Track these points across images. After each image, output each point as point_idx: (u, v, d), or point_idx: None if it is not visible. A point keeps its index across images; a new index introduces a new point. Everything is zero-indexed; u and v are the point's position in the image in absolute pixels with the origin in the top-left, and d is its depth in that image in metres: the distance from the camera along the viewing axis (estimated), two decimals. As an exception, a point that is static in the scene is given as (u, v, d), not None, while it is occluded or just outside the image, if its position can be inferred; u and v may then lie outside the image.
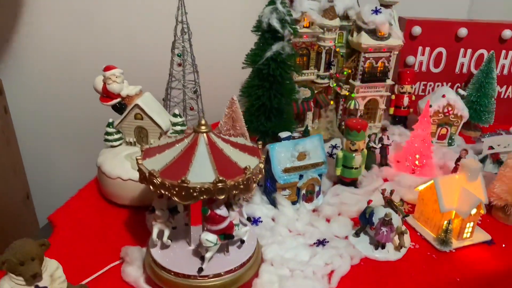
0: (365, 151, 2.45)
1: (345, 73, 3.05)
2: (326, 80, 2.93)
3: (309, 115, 3.02)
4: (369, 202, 2.06)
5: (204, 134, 1.62)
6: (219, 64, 3.08)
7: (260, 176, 1.64)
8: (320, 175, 2.31)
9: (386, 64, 3.04)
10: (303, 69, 2.85)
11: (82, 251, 1.94)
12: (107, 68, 2.19)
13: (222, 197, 1.51)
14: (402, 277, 1.88)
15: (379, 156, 2.75)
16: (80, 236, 2.04)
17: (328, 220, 2.20)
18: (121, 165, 2.19)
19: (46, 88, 3.10)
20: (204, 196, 1.49)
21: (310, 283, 1.75)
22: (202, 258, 1.56)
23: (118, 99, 2.24)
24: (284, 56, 2.28)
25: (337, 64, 3.08)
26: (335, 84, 3.09)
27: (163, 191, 1.51)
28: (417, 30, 3.34)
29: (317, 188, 2.33)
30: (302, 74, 2.84)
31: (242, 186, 1.54)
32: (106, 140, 2.31)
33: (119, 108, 2.27)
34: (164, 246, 1.71)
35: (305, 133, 2.96)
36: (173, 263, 1.63)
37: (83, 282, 1.76)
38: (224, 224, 1.54)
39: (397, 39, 2.97)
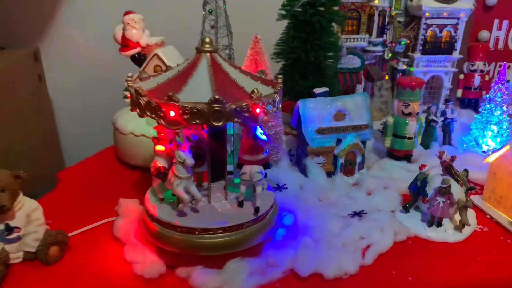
0: (422, 118, 2.02)
1: (403, 43, 2.64)
2: (379, 48, 2.54)
3: (359, 89, 2.63)
4: (421, 167, 1.63)
5: (208, 54, 1.33)
6: (255, 24, 2.76)
7: (273, 109, 1.31)
8: (363, 143, 1.92)
9: (453, 34, 2.60)
10: (353, 34, 2.49)
11: (79, 207, 1.72)
12: (126, 13, 2.00)
13: (220, 123, 1.20)
14: (463, 263, 1.43)
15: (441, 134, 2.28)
16: (82, 194, 1.83)
17: (369, 194, 1.79)
18: (135, 120, 1.96)
19: (83, 58, 3.01)
20: (197, 121, 1.19)
21: (336, 255, 1.37)
22: (241, 204, 1.43)
23: (137, 49, 2.03)
24: (324, 0, 1.96)
25: (394, 33, 2.69)
26: (390, 55, 2.69)
27: (149, 114, 1.24)
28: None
29: (359, 159, 1.93)
30: (351, 40, 2.47)
31: (246, 114, 1.22)
32: (125, 96, 2.10)
33: (139, 60, 2.07)
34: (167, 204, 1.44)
35: (354, 112, 2.58)
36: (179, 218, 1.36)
37: (73, 233, 1.52)
38: (266, 152, 1.39)
39: (466, 2, 2.52)
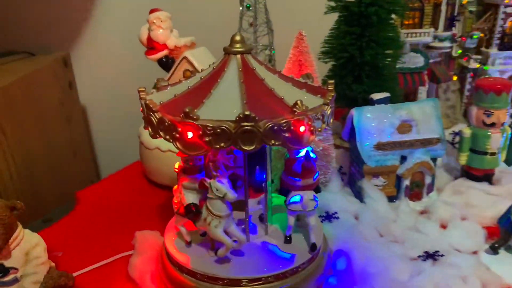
0: (507, 129, 1.62)
1: (475, 37, 2.23)
2: (446, 44, 2.15)
3: (422, 92, 2.24)
4: (517, 196, 1.26)
5: (238, 56, 1.04)
6: (300, 20, 2.42)
7: (323, 125, 1.00)
8: (434, 160, 1.56)
9: (539, 24, 2.15)
10: (415, 28, 2.11)
11: (95, 236, 1.49)
12: (152, 11, 1.76)
13: (251, 147, 0.90)
14: None
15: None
16: (100, 219, 1.61)
17: (443, 226, 1.42)
18: (161, 133, 1.71)
19: (115, 65, 2.83)
20: (222, 144, 0.90)
21: (407, 317, 1.03)
22: (290, 239, 1.20)
23: (165, 51, 1.78)
24: (383, -12, 1.62)
25: (464, 24, 2.28)
26: (459, 51, 2.28)
27: (162, 135, 0.96)
28: None
29: (428, 180, 1.57)
30: (413, 35, 2.10)
31: (287, 133, 0.91)
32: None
33: (166, 64, 1.82)
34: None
35: (415, 118, 2.21)
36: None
37: (82, 271, 1.29)
38: (317, 174, 1.18)
39: (558, -15, 2.07)
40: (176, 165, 1.22)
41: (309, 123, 0.94)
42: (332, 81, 1.11)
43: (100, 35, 2.77)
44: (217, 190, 1.03)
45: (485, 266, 1.24)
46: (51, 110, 2.40)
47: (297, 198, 1.15)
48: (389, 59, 1.76)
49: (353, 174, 1.64)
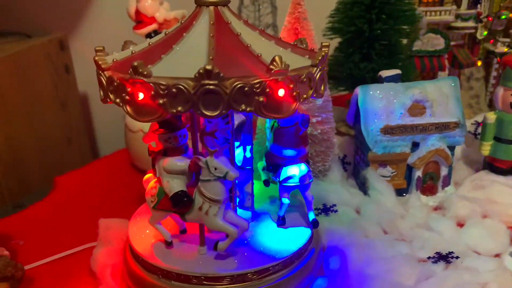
0: (540, 115, 1.40)
1: (503, 17, 2.00)
2: (470, 24, 1.93)
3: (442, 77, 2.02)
4: (551, 189, 1.05)
5: (211, 8, 0.86)
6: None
7: (309, 92, 0.81)
8: (451, 148, 1.35)
9: None
10: (434, 6, 1.90)
11: (66, 224, 1.34)
12: (139, -20, 1.60)
13: (215, 112, 0.72)
14: None
15: None
16: (75, 206, 1.45)
17: (460, 225, 1.22)
18: (146, 114, 1.55)
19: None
20: (179, 108, 0.72)
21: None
22: (283, 220, 1.08)
23: (153, 25, 1.63)
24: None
25: (491, 3, 2.05)
26: (485, 33, 2.05)
27: (112, 98, 0.80)
28: None
29: (444, 171, 1.37)
30: (432, 13, 1.89)
31: (262, 97, 0.73)
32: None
33: (155, 40, 1.65)
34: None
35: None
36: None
37: (39, 262, 1.14)
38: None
39: None
40: (153, 144, 1.03)
41: (291, 86, 0.76)
42: (326, 44, 0.92)
43: (101, 17, 2.64)
44: (216, 169, 0.88)
45: (510, 272, 1.03)
46: (44, 94, 2.28)
47: (293, 172, 1.02)
48: (403, 36, 1.55)
49: (358, 163, 1.44)
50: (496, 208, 1.28)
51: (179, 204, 0.92)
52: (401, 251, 1.10)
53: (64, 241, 1.22)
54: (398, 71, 1.36)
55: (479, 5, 1.90)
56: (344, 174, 1.47)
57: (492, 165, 1.46)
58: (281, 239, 1.02)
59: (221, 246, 0.94)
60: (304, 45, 1.00)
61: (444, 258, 1.07)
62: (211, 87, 0.70)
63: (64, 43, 2.53)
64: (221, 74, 0.70)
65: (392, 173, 1.36)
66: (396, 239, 1.17)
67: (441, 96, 1.33)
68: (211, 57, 0.75)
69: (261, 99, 0.74)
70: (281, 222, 1.07)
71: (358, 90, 1.33)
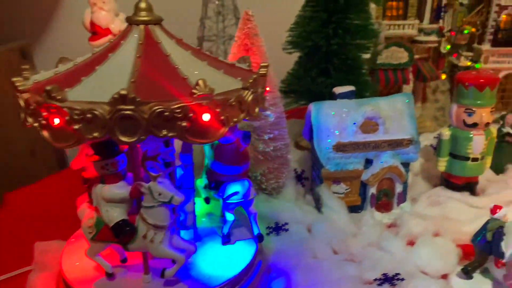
0: (493, 131, 1.40)
1: (466, 31, 2.01)
2: (433, 38, 1.94)
3: (406, 92, 2.02)
4: (494, 209, 1.04)
5: (141, 27, 0.83)
6: (271, 7, 2.18)
7: (241, 115, 0.79)
8: (405, 165, 1.34)
9: (537, 18, 1.94)
10: (398, 20, 1.91)
11: (5, 245, 1.27)
12: (93, -10, 1.56)
13: (133, 138, 0.69)
14: None
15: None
16: (21, 224, 1.38)
17: (412, 243, 1.20)
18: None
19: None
20: (95, 134, 0.69)
21: None
22: (228, 237, 1.07)
23: (108, 37, 1.59)
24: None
25: (454, 17, 2.07)
26: (448, 47, 2.07)
27: (31, 121, 0.76)
28: None
29: (399, 188, 1.36)
30: (396, 27, 1.89)
31: (185, 122, 0.70)
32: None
33: (112, 52, 1.61)
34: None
35: (399, 121, 1.99)
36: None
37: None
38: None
39: (558, -26, 1.86)
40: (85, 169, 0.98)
41: (217, 110, 0.73)
42: (266, 64, 0.90)
43: (66, 26, 2.59)
44: (160, 194, 0.84)
45: (456, 294, 1.02)
46: (5, 104, 2.21)
47: (237, 188, 1.02)
48: (361, 51, 1.55)
49: (314, 179, 1.42)
50: (449, 226, 1.27)
51: (122, 234, 0.88)
52: (348, 273, 1.08)
53: (1, 264, 1.17)
54: (351, 88, 1.35)
55: (441, 20, 1.91)
56: (300, 191, 1.45)
57: (448, 181, 1.45)
58: (226, 259, 1.00)
59: (169, 273, 0.90)
60: (247, 64, 0.97)
61: (390, 280, 1.05)
62: (128, 112, 0.67)
63: (27, 52, 2.47)
64: (138, 99, 0.67)
65: (346, 189, 1.35)
66: (345, 260, 1.14)
67: (395, 113, 1.32)
68: (133, 80, 0.72)
69: (184, 124, 0.71)
70: (226, 240, 1.05)
71: (312, 107, 1.31)
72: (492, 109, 1.33)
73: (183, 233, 1.03)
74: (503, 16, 1.95)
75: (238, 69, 0.89)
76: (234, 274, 0.95)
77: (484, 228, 1.05)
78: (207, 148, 1.03)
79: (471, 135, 1.35)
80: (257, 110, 0.84)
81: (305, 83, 1.54)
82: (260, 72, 0.88)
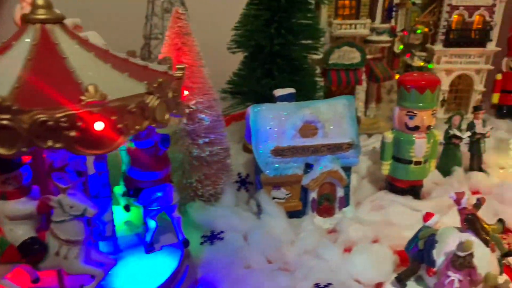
0: (436, 134, 1.38)
1: (419, 31, 2.01)
2: (385, 38, 1.92)
3: (359, 92, 2.01)
4: (426, 217, 1.01)
5: (37, 26, 0.76)
6: (218, 5, 2.10)
7: (144, 123, 0.73)
8: (347, 169, 1.31)
9: (487, 19, 1.94)
10: (351, 19, 1.88)
11: None
12: (24, -15, 1.47)
13: (12, 151, 0.63)
14: None
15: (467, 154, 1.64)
16: None
17: (348, 250, 1.17)
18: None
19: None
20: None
21: None
22: (151, 246, 1.02)
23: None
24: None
25: (407, 18, 2.06)
26: (401, 47, 2.06)
27: None
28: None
29: (340, 192, 1.32)
30: (347, 26, 1.86)
31: (73, 132, 0.64)
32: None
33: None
34: None
35: (353, 121, 1.97)
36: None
37: None
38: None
39: (507, -25, 1.87)
40: None
41: (113, 118, 0.67)
42: (182, 66, 0.85)
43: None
44: (71, 207, 0.78)
45: (387, 304, 0.99)
46: None
47: (158, 194, 0.98)
48: (306, 51, 1.51)
49: (256, 185, 1.38)
50: (389, 231, 1.24)
51: (30, 253, 0.81)
52: (280, 284, 1.04)
53: None
54: (291, 90, 1.31)
55: (393, 19, 1.89)
56: (243, 196, 1.40)
57: (393, 185, 1.43)
58: (150, 269, 0.95)
59: None
60: (168, 65, 0.91)
61: (321, 290, 1.01)
62: (4, 122, 0.61)
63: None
64: (14, 107, 0.60)
65: (286, 195, 1.31)
66: (279, 269, 1.10)
67: (335, 116, 1.29)
68: (16, 86, 0.66)
69: (72, 134, 0.65)
70: (149, 248, 1.00)
71: (250, 110, 1.26)
72: (434, 112, 1.31)
73: (102, 245, 0.98)
74: (455, 16, 1.95)
75: (150, 72, 0.83)
76: (158, 285, 0.90)
77: (416, 236, 1.02)
78: (123, 154, 0.97)
79: (413, 139, 1.33)
80: (167, 116, 0.78)
81: (249, 84, 1.49)
82: (176, 74, 0.83)
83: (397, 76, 2.12)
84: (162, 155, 0.95)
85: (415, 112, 1.29)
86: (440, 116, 2.05)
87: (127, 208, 1.05)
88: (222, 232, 1.20)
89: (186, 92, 0.87)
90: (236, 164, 1.57)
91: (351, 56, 1.89)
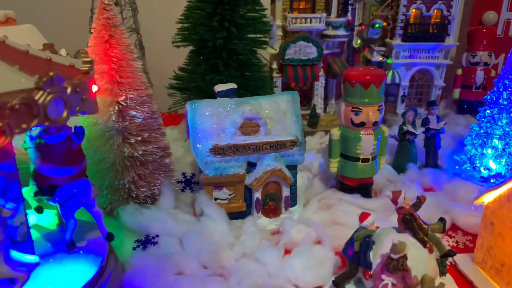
0: (385, 130, 1.34)
1: (377, 25, 1.96)
2: (342, 32, 1.87)
3: (318, 88, 1.96)
4: (362, 217, 0.97)
5: None
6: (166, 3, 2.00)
7: (34, 121, 0.66)
8: (292, 167, 1.26)
9: (445, 13, 1.91)
10: (306, 13, 1.83)
11: None
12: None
13: None
14: None
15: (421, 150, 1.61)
16: None
17: (288, 251, 1.12)
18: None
19: None
20: None
21: None
22: (72, 245, 0.96)
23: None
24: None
25: (365, 12, 2.02)
26: (359, 41, 2.02)
27: None
28: (501, -32, 2.14)
29: (285, 192, 1.27)
30: (302, 20, 1.81)
31: None
32: None
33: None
34: None
35: (312, 119, 1.93)
36: None
37: None
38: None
39: (463, -32, 1.84)
40: None
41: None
42: (89, 60, 0.77)
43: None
44: None
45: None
46: None
47: (75, 190, 0.92)
48: (252, 45, 1.45)
49: (201, 185, 1.31)
50: (334, 231, 1.19)
51: None
52: (213, 290, 0.98)
53: None
54: (233, 85, 1.25)
55: (349, 13, 1.84)
56: (187, 197, 1.33)
57: (342, 183, 1.39)
58: (74, 269, 0.89)
59: None
60: (83, 59, 0.84)
61: (253, 297, 0.95)
62: None
63: None
64: None
65: (229, 195, 1.25)
66: (214, 274, 1.04)
67: (278, 113, 1.23)
68: None
69: None
70: (71, 247, 0.94)
71: (187, 107, 1.20)
72: (380, 107, 1.26)
73: (15, 253, 0.90)
74: (413, 11, 1.91)
75: (52, 66, 0.76)
76: (82, 285, 0.84)
77: (352, 237, 0.97)
78: (30, 151, 0.89)
79: (360, 135, 1.28)
80: (64, 114, 0.71)
81: (194, 80, 1.42)
82: (82, 68, 0.76)
83: (356, 72, 2.09)
84: (76, 149, 0.89)
85: (360, 108, 1.24)
86: (401, 112, 2.03)
87: (39, 209, 0.98)
88: (157, 236, 1.13)
89: (95, 88, 0.79)
90: (184, 163, 1.51)
91: (308, 51, 1.84)
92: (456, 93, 2.13)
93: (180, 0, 1.65)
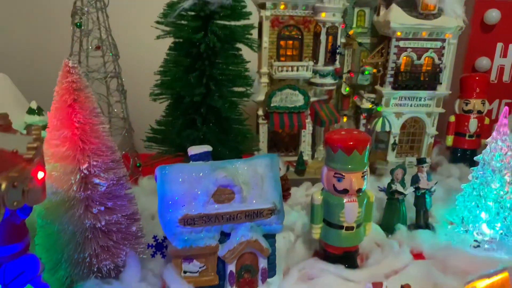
0: (370, 196, 1.26)
1: (366, 72, 1.91)
2: (330, 80, 1.81)
3: (305, 135, 1.89)
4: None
5: None
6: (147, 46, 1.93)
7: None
8: (270, 236, 1.16)
9: (437, 61, 1.86)
10: (293, 61, 1.77)
11: None
12: None
13: None
14: None
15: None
16: None
17: (263, 337, 1.02)
18: None
19: None
20: None
21: None
22: None
23: None
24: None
25: (354, 58, 1.96)
26: (347, 89, 1.96)
27: None
28: (493, 16, 2.11)
29: (262, 263, 1.17)
30: (289, 68, 1.75)
31: None
32: None
33: None
34: None
35: (299, 166, 1.85)
36: None
37: None
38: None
39: (453, 18, 1.79)
40: None
41: None
42: (34, 145, 0.69)
43: None
44: None
45: None
46: None
47: (22, 267, 0.85)
48: (229, 99, 1.37)
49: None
50: (315, 310, 1.10)
51: None
52: None
53: None
54: (207, 148, 1.17)
55: (336, 62, 1.79)
56: (156, 266, 1.23)
57: (326, 251, 1.29)
58: None
59: None
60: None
61: None
62: None
63: None
64: None
65: (200, 267, 1.15)
66: None
67: (255, 178, 1.14)
68: None
69: None
70: None
71: (157, 172, 1.11)
72: (364, 174, 1.18)
73: None
74: (403, 58, 1.86)
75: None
76: None
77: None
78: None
79: (343, 202, 1.19)
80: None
81: (170, 135, 1.34)
82: (25, 155, 0.67)
83: (345, 119, 2.02)
84: (21, 224, 0.81)
85: (343, 174, 1.16)
86: (392, 160, 1.95)
87: None
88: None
89: (41, 174, 0.71)
90: (157, 223, 1.41)
91: (294, 99, 1.78)
92: (449, 140, 2.07)
93: (163, 45, 1.60)
